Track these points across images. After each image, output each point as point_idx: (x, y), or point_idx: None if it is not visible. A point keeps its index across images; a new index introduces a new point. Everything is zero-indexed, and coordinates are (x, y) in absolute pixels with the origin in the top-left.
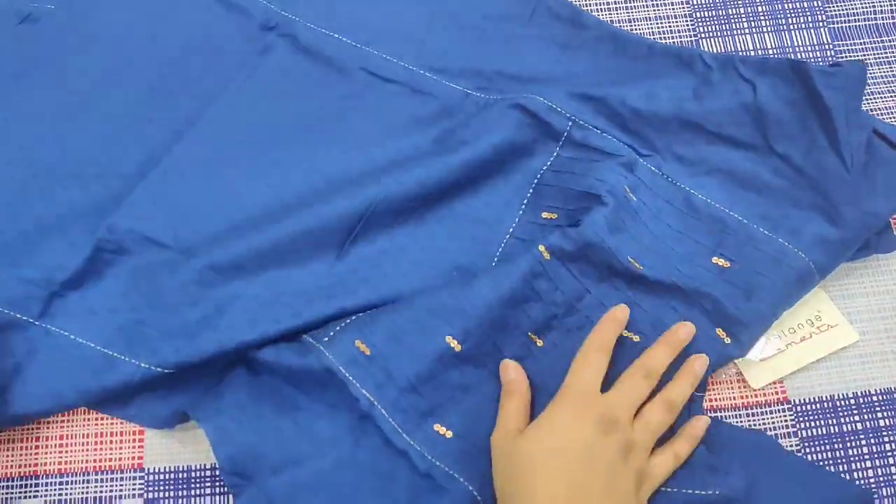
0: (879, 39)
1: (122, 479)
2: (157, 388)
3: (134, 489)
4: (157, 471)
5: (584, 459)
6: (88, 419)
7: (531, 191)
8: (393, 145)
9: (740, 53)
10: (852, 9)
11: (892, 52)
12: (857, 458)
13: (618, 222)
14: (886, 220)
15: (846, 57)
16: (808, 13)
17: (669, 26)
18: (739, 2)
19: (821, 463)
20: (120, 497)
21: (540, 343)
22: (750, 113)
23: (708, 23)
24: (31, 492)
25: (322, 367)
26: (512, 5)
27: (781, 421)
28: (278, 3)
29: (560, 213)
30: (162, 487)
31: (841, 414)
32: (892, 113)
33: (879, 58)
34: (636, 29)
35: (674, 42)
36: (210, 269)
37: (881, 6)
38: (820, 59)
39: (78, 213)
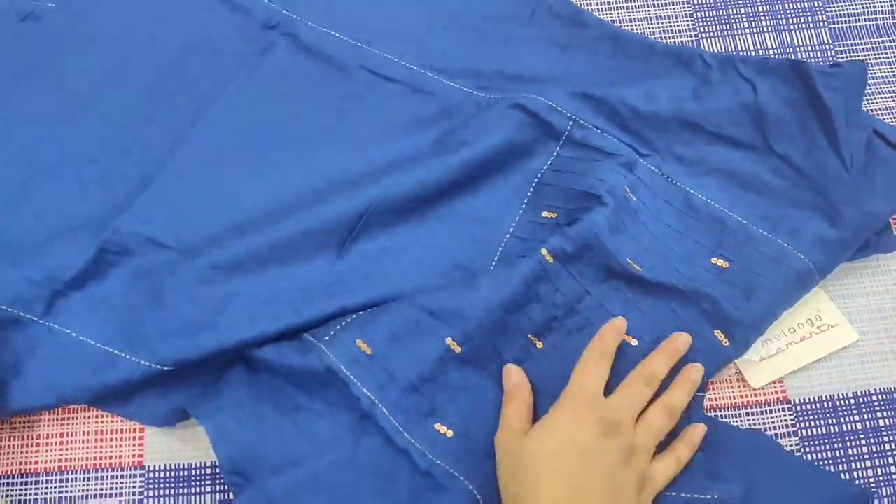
0: (880, 40)
1: (122, 476)
2: (157, 385)
3: (134, 487)
4: (157, 469)
5: (586, 462)
6: (88, 417)
7: (531, 190)
8: (393, 146)
9: (741, 53)
10: (853, 9)
11: (893, 53)
12: (856, 458)
13: (618, 222)
14: (886, 220)
15: (847, 57)
16: (809, 13)
17: (670, 26)
18: (740, 2)
19: (820, 462)
20: (120, 495)
21: (540, 345)
22: (750, 113)
23: (708, 23)
24: (31, 489)
25: (323, 366)
26: (512, 5)
27: (781, 420)
28: (279, 2)
29: (560, 212)
30: (162, 485)
31: (841, 414)
32: (892, 113)
33: (880, 58)
34: (636, 29)
35: (674, 42)
36: (211, 269)
37: (882, 6)
38: (820, 60)
39: (78, 213)
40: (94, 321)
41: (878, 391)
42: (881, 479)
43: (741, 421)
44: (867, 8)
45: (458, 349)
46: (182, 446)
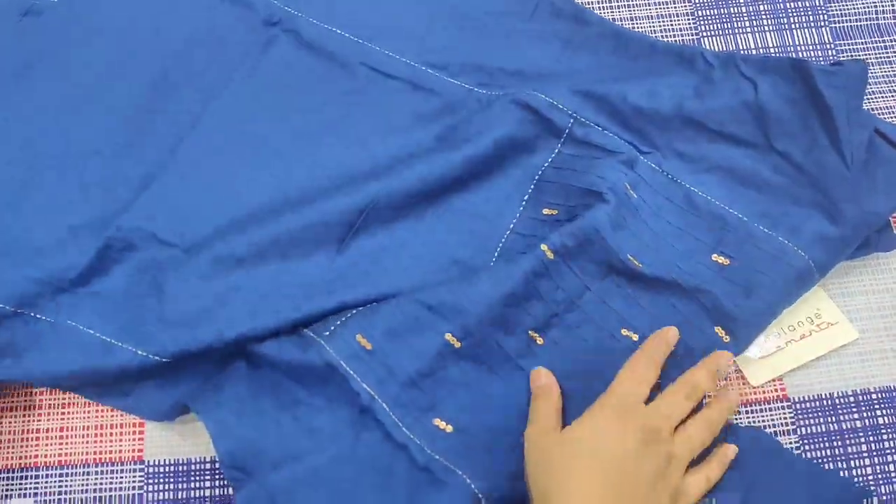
0: (881, 39)
1: (121, 471)
2: (155, 378)
3: (134, 481)
4: (157, 463)
5: (623, 465)
6: (88, 411)
7: (532, 187)
8: (395, 141)
9: (741, 52)
10: (854, 8)
11: (894, 52)
12: (855, 456)
13: (619, 219)
14: (886, 219)
15: (847, 56)
16: (810, 12)
17: (671, 24)
18: (741, 1)
19: (819, 460)
20: (120, 489)
21: (540, 341)
22: (751, 111)
23: (709, 21)
24: (30, 483)
25: (323, 361)
26: (513, 2)
27: (781, 418)
28: None
29: (561, 209)
30: (162, 480)
31: (840, 412)
32: (893, 112)
33: (881, 57)
34: (637, 27)
35: (675, 40)
36: (212, 263)
37: (882, 6)
38: (821, 59)
39: (81, 211)
40: (96, 314)
41: (877, 389)
42: (880, 477)
43: (741, 419)
44: (868, 7)
45: (457, 344)
46: (182, 441)
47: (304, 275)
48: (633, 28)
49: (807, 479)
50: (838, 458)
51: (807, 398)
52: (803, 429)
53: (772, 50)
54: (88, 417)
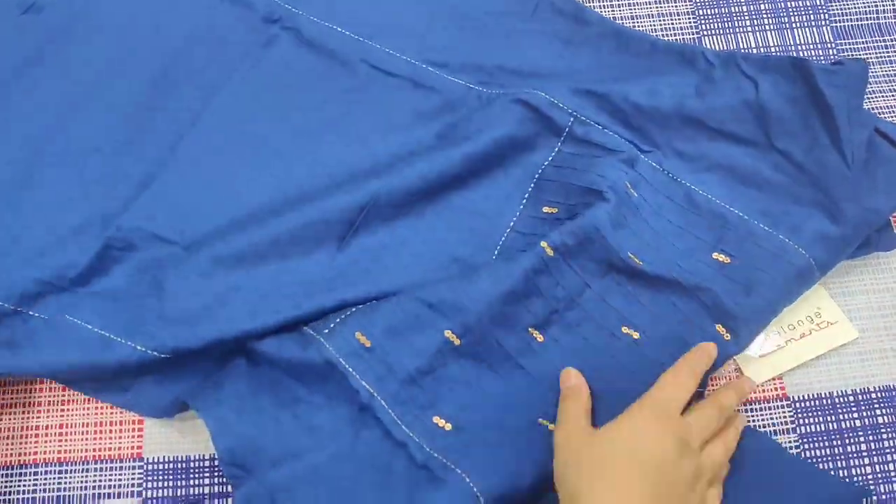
0: (881, 38)
1: (120, 468)
2: (154, 374)
3: (133, 479)
4: (155, 461)
5: (662, 468)
6: (88, 408)
7: (532, 185)
8: (395, 139)
9: (742, 51)
10: (854, 8)
11: (894, 51)
12: (855, 455)
13: (619, 218)
14: (887, 218)
15: (848, 55)
16: (811, 11)
17: (672, 23)
18: None
19: (819, 459)
20: (119, 486)
21: (540, 338)
22: (752, 110)
23: (710, 20)
24: (30, 480)
25: (322, 359)
26: (513, 2)
27: (780, 417)
28: None
29: (561, 207)
30: (161, 477)
31: (840, 411)
32: (893, 111)
33: (881, 57)
34: (638, 26)
35: (676, 39)
36: (212, 262)
37: (883, 6)
38: (822, 58)
39: (81, 210)
40: (96, 313)
41: (877, 389)
42: (879, 476)
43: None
44: (869, 7)
45: (457, 341)
46: (181, 438)
47: (304, 273)
48: (634, 27)
49: (805, 480)
50: (838, 458)
51: (806, 397)
52: (803, 428)
53: (772, 49)
54: (88, 414)
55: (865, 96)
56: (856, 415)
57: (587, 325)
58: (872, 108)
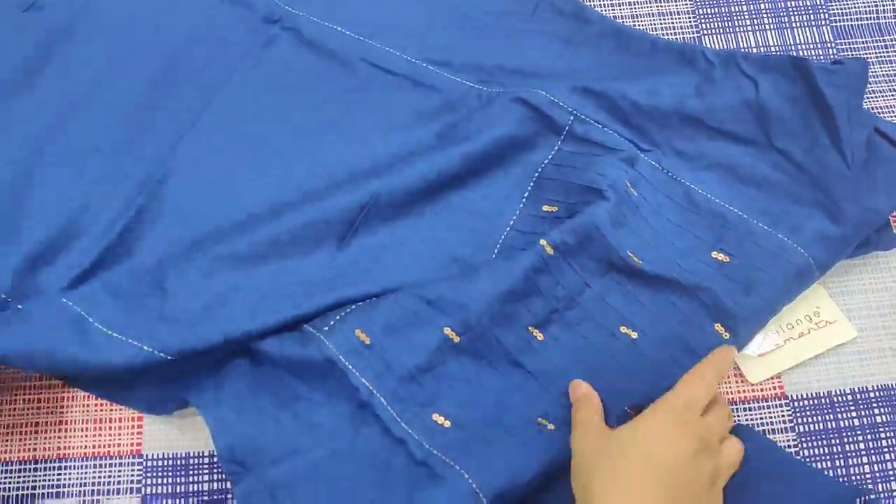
0: (881, 38)
1: (120, 465)
2: (156, 372)
3: (132, 475)
4: (155, 457)
5: (676, 471)
6: (88, 405)
7: (532, 184)
8: (395, 139)
9: (742, 50)
10: (855, 8)
11: (894, 51)
12: (853, 454)
13: (619, 217)
14: (886, 218)
15: (848, 55)
16: (811, 11)
17: (672, 23)
18: None
19: (817, 458)
20: (118, 483)
21: (540, 337)
22: (752, 110)
23: (711, 20)
24: (29, 476)
25: (322, 356)
26: (513, 2)
27: (779, 416)
28: None
29: (561, 206)
30: (160, 474)
31: (838, 410)
32: (893, 111)
33: (881, 56)
34: (639, 25)
35: (676, 38)
36: (213, 261)
37: (883, 5)
38: (822, 57)
39: (84, 206)
40: (98, 310)
41: (875, 388)
42: (878, 475)
43: (738, 416)
44: (869, 7)
45: (456, 339)
46: (180, 435)
47: (304, 272)
48: (634, 26)
49: (799, 478)
50: (836, 456)
51: (805, 396)
52: (801, 426)
53: (773, 48)
54: (87, 411)
55: (865, 96)
56: (854, 414)
57: (587, 325)
58: (872, 108)
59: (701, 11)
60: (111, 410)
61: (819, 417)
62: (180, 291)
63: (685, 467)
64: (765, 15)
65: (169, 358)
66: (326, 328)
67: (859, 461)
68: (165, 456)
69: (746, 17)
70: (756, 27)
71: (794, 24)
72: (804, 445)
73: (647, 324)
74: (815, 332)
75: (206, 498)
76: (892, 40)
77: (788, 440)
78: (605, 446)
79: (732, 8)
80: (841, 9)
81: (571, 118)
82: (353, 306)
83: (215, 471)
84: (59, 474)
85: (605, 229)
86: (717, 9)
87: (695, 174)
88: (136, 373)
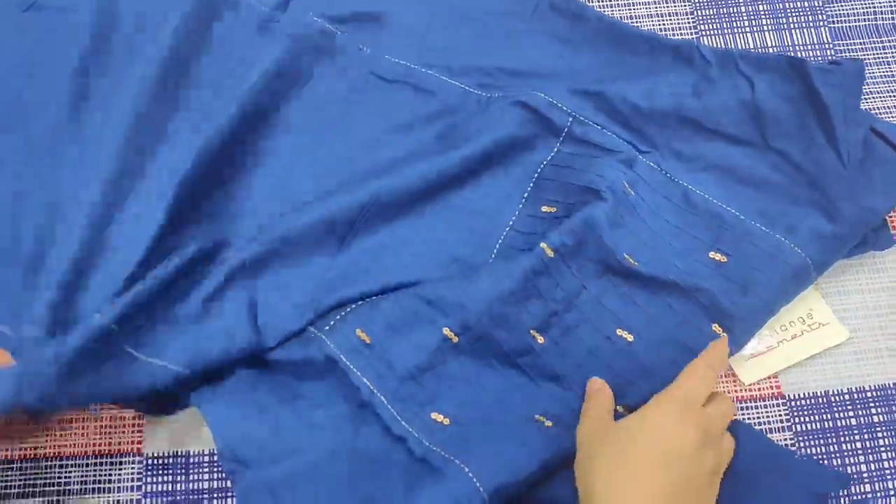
0: (879, 40)
1: (120, 463)
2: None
3: (132, 474)
4: (155, 456)
5: (682, 464)
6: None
7: (531, 185)
8: (396, 140)
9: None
10: (852, 9)
11: (891, 53)
12: (850, 454)
13: (617, 218)
14: (883, 217)
15: (846, 56)
16: (809, 12)
17: (670, 23)
18: (740, 0)
19: (814, 457)
20: (118, 481)
21: (541, 340)
22: (748, 110)
23: (709, 21)
24: (30, 475)
25: (323, 355)
26: (513, 2)
27: (776, 415)
28: None
29: (560, 206)
30: (160, 473)
31: (835, 409)
32: (890, 112)
33: (878, 58)
34: (638, 26)
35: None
36: (218, 268)
37: (881, 7)
38: (820, 58)
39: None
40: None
41: (872, 388)
42: (874, 474)
43: (736, 415)
44: (866, 8)
45: (455, 339)
46: (180, 434)
47: (305, 274)
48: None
49: (785, 466)
50: (832, 456)
51: (802, 395)
52: (798, 426)
53: (771, 49)
54: (87, 410)
55: (863, 97)
56: (851, 413)
57: (584, 328)
58: (870, 109)
59: (700, 12)
60: (111, 409)
61: (816, 417)
62: (183, 295)
63: (690, 458)
64: (763, 16)
65: (188, 372)
66: (327, 328)
67: (856, 460)
68: (166, 454)
69: (745, 18)
70: (754, 28)
71: (792, 26)
72: (801, 445)
73: (643, 326)
74: (808, 333)
75: (206, 497)
76: (889, 42)
77: (785, 439)
78: (613, 435)
79: (731, 9)
80: (839, 10)
81: (570, 120)
82: (354, 306)
83: (215, 469)
84: (59, 473)
85: (602, 230)
86: (715, 10)
87: (693, 175)
88: (155, 387)
